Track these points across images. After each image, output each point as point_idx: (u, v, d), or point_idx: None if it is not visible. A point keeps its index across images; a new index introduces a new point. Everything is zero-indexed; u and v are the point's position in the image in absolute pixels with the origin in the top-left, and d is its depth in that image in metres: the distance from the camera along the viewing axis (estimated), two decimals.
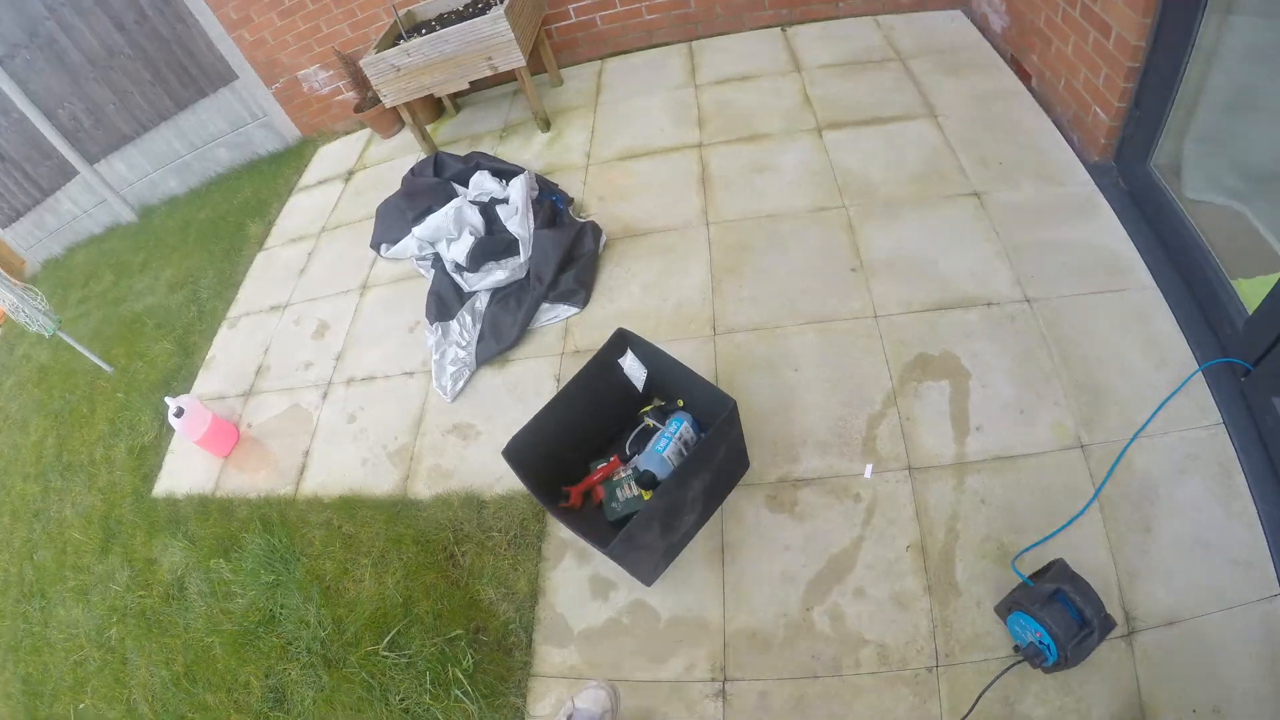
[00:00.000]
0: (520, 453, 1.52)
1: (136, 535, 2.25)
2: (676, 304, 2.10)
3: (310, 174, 3.52)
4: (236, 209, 3.52)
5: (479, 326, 2.18)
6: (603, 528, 1.63)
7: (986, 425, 1.67)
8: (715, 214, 2.33)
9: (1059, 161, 2.17)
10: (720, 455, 1.51)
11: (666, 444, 1.59)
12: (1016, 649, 1.42)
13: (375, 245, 2.67)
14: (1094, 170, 2.11)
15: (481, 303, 2.24)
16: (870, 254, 2.06)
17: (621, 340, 1.64)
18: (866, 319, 1.90)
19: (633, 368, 1.67)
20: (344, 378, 2.35)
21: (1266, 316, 1.55)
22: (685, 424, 1.62)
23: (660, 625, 1.57)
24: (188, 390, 2.63)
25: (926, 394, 1.74)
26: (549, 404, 1.56)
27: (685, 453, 1.59)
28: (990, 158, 2.24)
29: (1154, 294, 1.82)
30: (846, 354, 1.84)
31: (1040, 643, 1.34)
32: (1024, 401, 1.69)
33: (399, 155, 3.25)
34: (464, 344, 2.16)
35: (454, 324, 2.22)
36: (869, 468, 1.64)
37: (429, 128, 3.31)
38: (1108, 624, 1.31)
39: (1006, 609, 1.44)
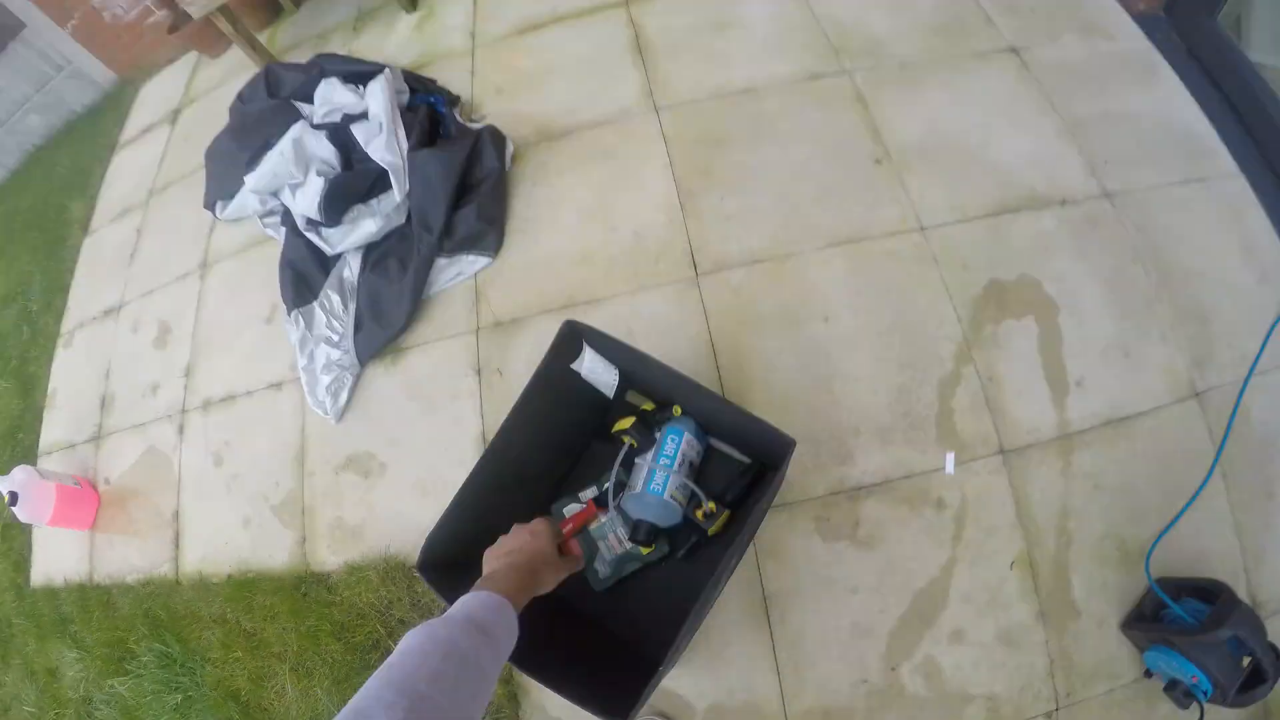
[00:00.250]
0: (443, 554, 0.96)
1: (29, 641, 1.69)
2: (633, 234, 1.46)
3: (132, 124, 2.49)
4: (58, 187, 2.50)
5: (353, 307, 1.50)
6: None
7: (1089, 377, 1.24)
8: (665, 94, 1.63)
9: (1100, 8, 1.59)
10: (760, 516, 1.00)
11: (665, 480, 1.06)
12: (1149, 675, 1.11)
13: (209, 205, 1.85)
14: (1143, 24, 1.55)
15: (352, 270, 1.54)
16: (896, 138, 1.47)
17: (573, 337, 1.04)
18: (911, 234, 1.36)
19: (596, 371, 1.09)
20: (198, 401, 1.66)
21: None
22: (686, 437, 1.09)
23: None
24: (35, 442, 1.89)
25: (1009, 339, 1.26)
26: (475, 471, 0.97)
27: (692, 479, 1.09)
28: (1019, 2, 1.61)
29: (1241, 184, 1.45)
30: (894, 289, 1.31)
31: (1196, 688, 1.02)
32: (1127, 339, 1.26)
33: (234, 77, 2.26)
34: (337, 337, 1.49)
35: (317, 309, 1.53)
36: (950, 458, 1.19)
37: (265, 35, 2.32)
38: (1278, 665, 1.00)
39: (1145, 638, 1.10)
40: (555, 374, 1.05)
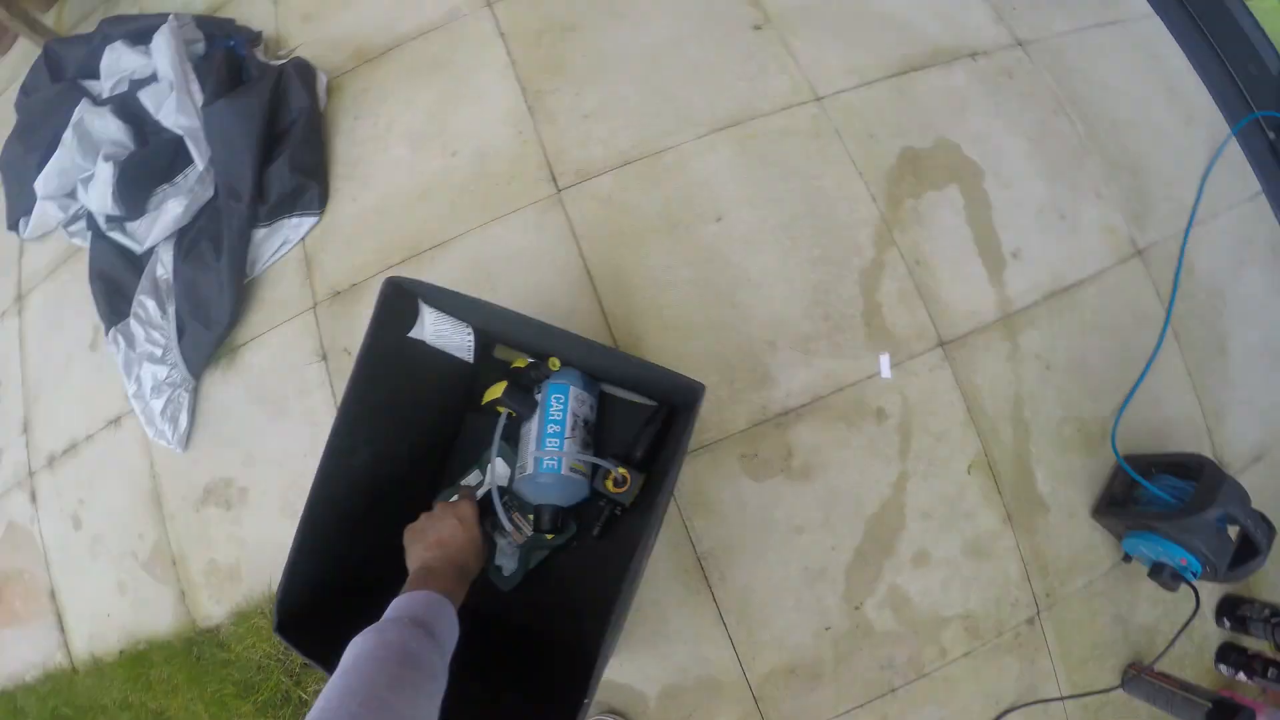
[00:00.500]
0: (307, 604, 0.77)
1: None
2: (477, 155, 1.20)
3: None
4: None
5: (172, 310, 1.25)
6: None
7: (1025, 246, 1.10)
8: None
9: None
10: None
11: (559, 452, 0.87)
12: (1128, 559, 1.01)
13: (11, 225, 1.55)
14: None
15: (165, 266, 1.28)
16: None
17: (401, 298, 0.83)
18: (806, 106, 1.16)
19: (444, 334, 0.88)
20: (43, 458, 1.40)
21: None
22: (574, 391, 0.90)
23: (651, 709, 1.01)
24: None
25: (932, 214, 1.10)
26: (310, 500, 0.76)
27: (591, 440, 0.91)
28: None
29: (1155, 24, 1.34)
30: (794, 172, 1.12)
31: (1185, 570, 0.91)
32: (1060, 199, 1.12)
33: (24, 72, 1.87)
34: (160, 350, 1.24)
35: (133, 322, 1.27)
36: (884, 361, 1.03)
37: (51, 15, 1.94)
38: (1270, 534, 0.89)
39: (1123, 525, 0.99)
40: (390, 348, 0.83)
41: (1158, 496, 0.98)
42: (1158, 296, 1.13)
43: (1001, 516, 1.02)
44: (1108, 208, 1.15)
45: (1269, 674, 1.03)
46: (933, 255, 1.07)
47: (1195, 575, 0.92)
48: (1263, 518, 0.90)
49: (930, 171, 1.11)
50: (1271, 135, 1.32)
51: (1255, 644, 1.08)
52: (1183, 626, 0.98)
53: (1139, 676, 1.03)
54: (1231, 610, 1.08)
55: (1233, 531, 0.92)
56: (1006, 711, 1.01)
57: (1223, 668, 1.08)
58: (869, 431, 1.02)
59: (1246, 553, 0.90)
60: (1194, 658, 1.07)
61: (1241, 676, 1.10)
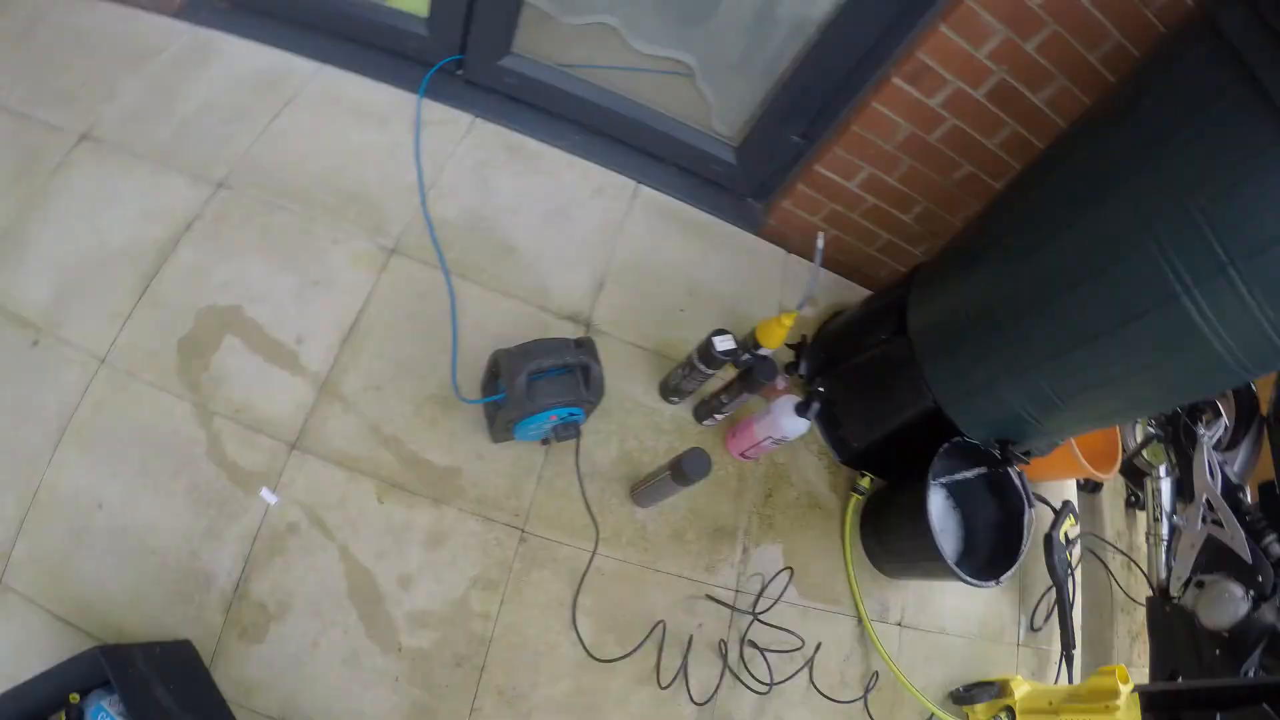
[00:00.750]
0: None
1: None
2: None
3: None
4: None
5: None
6: None
7: (304, 328, 1.35)
8: None
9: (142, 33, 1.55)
10: None
11: None
12: (548, 442, 1.30)
13: None
14: (181, 15, 1.55)
15: None
16: (19, 305, 1.41)
17: None
18: (98, 375, 1.33)
19: None
20: None
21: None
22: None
23: None
24: None
25: (224, 368, 1.32)
26: None
27: None
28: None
29: (323, 75, 1.56)
30: (126, 429, 1.30)
31: (568, 416, 1.22)
32: (307, 271, 1.40)
33: None
34: None
35: None
36: (265, 492, 1.25)
37: None
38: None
39: (506, 430, 1.26)
40: None
41: (500, 399, 1.25)
42: (429, 265, 1.41)
43: (432, 502, 1.27)
44: (349, 242, 1.41)
45: (727, 399, 1.36)
46: (244, 395, 1.30)
47: (579, 415, 1.21)
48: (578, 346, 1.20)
49: (204, 340, 1.33)
50: (460, 72, 1.60)
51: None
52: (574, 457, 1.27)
53: (639, 489, 1.33)
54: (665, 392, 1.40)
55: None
56: (580, 584, 1.27)
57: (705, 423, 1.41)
58: (296, 544, 1.24)
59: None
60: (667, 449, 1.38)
61: (717, 417, 1.43)
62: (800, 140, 1.60)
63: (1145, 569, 2.36)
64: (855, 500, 1.58)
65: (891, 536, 1.57)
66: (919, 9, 1.27)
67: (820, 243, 1.29)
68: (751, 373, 1.30)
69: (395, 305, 1.37)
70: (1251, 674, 1.75)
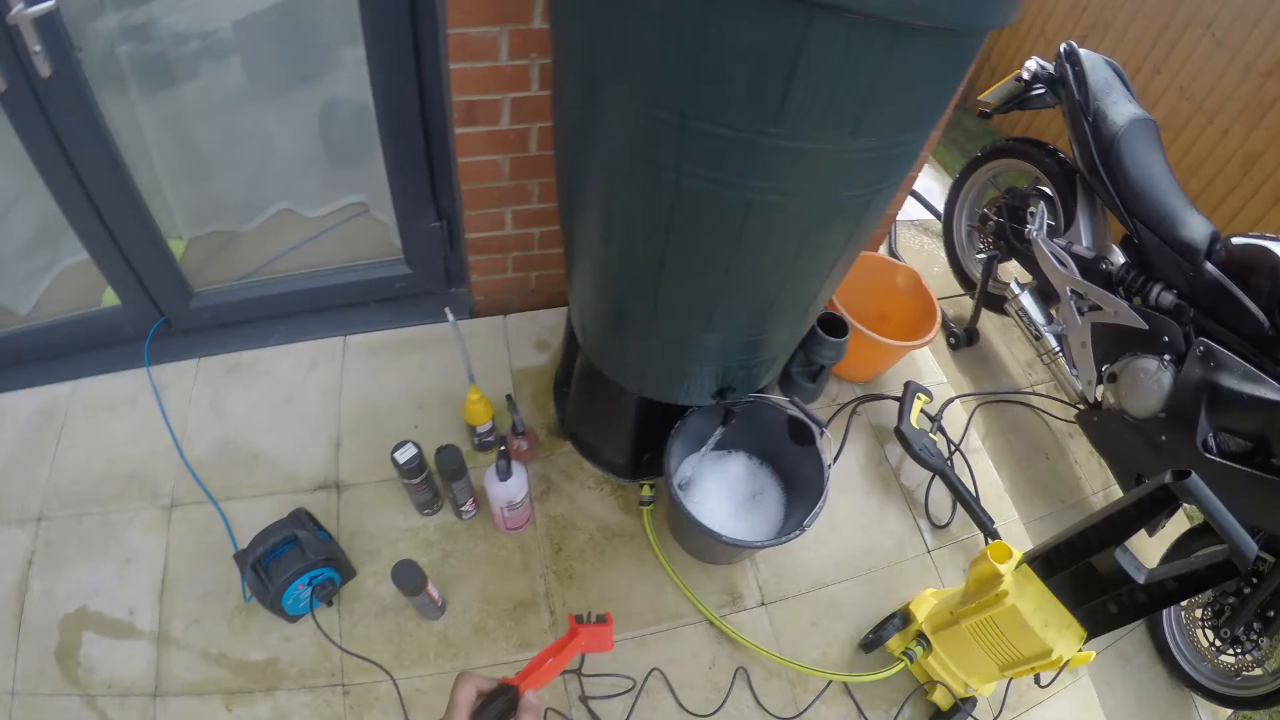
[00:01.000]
0: None
1: None
2: None
3: None
4: None
5: None
6: None
7: (133, 602, 1.61)
8: None
9: None
10: None
11: None
12: (331, 602, 1.49)
13: None
14: None
15: None
16: None
17: None
18: None
19: None
20: None
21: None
22: None
23: None
24: None
25: (92, 660, 1.62)
26: None
27: None
28: None
29: (82, 382, 1.85)
30: None
31: (319, 577, 1.44)
32: (121, 557, 1.65)
33: None
34: None
35: None
36: None
37: None
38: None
39: (280, 612, 1.47)
40: None
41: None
42: (202, 502, 1.66)
43: (266, 693, 1.47)
44: (138, 515, 1.66)
45: (455, 491, 1.50)
46: (110, 672, 1.53)
47: (324, 573, 1.44)
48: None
49: (70, 644, 1.56)
50: (169, 329, 1.88)
51: None
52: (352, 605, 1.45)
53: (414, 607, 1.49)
54: (419, 508, 1.56)
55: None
56: (405, 711, 1.43)
57: (465, 518, 1.55)
58: None
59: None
60: (441, 558, 1.52)
61: (464, 510, 1.56)
62: (440, 223, 1.74)
63: (1062, 391, 2.21)
64: (647, 511, 1.64)
65: (683, 533, 1.61)
66: (432, 67, 1.39)
67: (451, 317, 1.42)
68: (443, 467, 1.43)
69: (187, 548, 1.63)
70: (1211, 443, 1.69)
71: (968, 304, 2.53)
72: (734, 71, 0.77)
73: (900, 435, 1.80)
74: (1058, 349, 2.15)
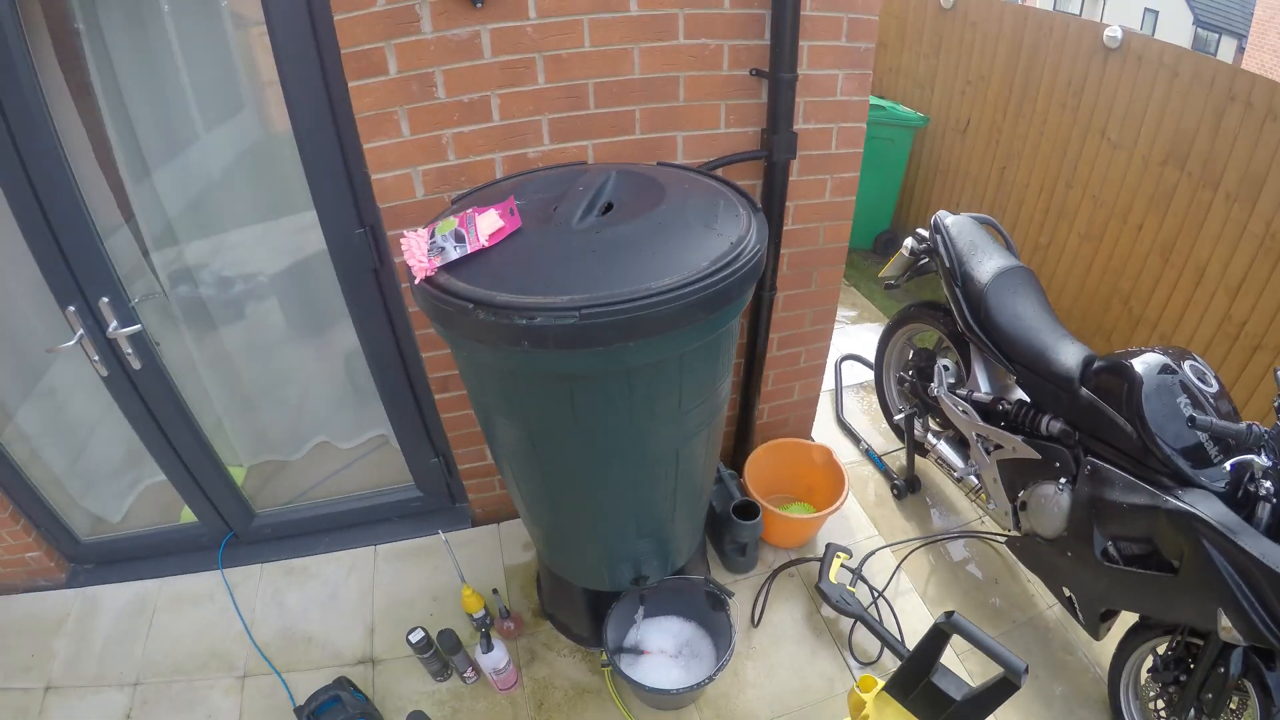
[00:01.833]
0: None
1: None
2: None
3: None
4: None
5: None
6: None
7: None
8: None
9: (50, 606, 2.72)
10: None
11: None
12: None
13: None
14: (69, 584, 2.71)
15: None
16: None
17: None
18: None
19: None
20: None
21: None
22: None
23: None
24: None
25: None
26: None
27: None
28: None
29: (169, 580, 2.59)
30: None
31: None
32: (204, 714, 2.27)
33: None
34: None
35: None
36: None
37: None
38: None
39: None
40: None
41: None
42: (268, 674, 2.28)
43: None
44: (218, 682, 2.34)
45: (457, 665, 2.08)
46: None
47: None
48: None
49: None
50: (237, 540, 2.61)
51: None
52: None
53: None
54: (434, 676, 2.14)
55: None
56: None
57: (469, 683, 2.12)
58: None
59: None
60: (451, 715, 2.10)
61: (466, 677, 2.13)
62: (437, 459, 2.47)
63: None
64: (608, 672, 2.22)
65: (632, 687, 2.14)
66: (407, 342, 2.14)
67: (441, 536, 2.09)
68: (443, 644, 2.04)
69: (257, 708, 2.27)
70: (1113, 551, 2.04)
71: None
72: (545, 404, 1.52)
73: (820, 591, 2.33)
74: (979, 486, 2.64)
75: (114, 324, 2.08)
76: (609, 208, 1.59)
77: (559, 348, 1.33)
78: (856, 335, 4.04)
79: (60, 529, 2.59)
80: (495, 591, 2.31)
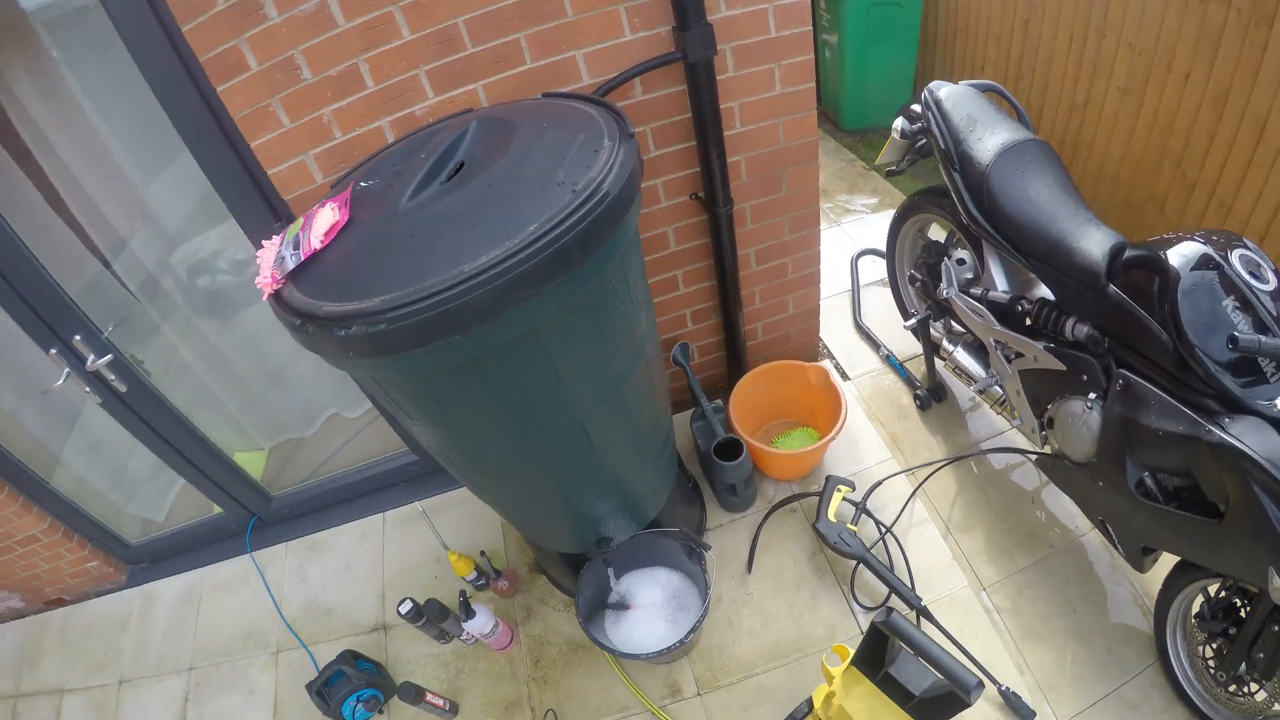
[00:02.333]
0: None
1: None
2: None
3: None
4: None
5: None
6: None
7: None
8: None
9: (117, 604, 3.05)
10: None
11: None
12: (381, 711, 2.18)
13: None
14: (129, 584, 3.01)
15: None
16: None
17: None
18: None
19: None
20: None
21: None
22: None
23: None
24: None
25: None
26: None
27: None
28: None
29: (209, 569, 2.83)
30: None
31: (364, 696, 2.14)
32: (246, 689, 2.48)
33: None
34: None
35: None
36: None
37: None
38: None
39: (337, 711, 2.16)
40: None
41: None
42: (297, 648, 2.44)
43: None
44: (257, 658, 2.53)
45: (449, 629, 2.15)
46: None
47: (370, 693, 2.11)
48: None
49: None
50: (261, 522, 2.76)
51: None
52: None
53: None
54: (436, 638, 2.23)
55: None
56: None
57: (468, 644, 2.19)
58: None
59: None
60: (456, 674, 2.19)
61: (464, 639, 2.19)
62: None
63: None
64: None
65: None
66: None
67: (420, 508, 2.09)
68: (429, 614, 2.07)
69: (289, 680, 2.44)
70: (1150, 484, 1.77)
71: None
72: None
73: (817, 532, 2.15)
74: (1003, 397, 2.31)
75: (91, 357, 2.18)
76: (460, 168, 1.40)
77: (387, 354, 1.19)
78: (878, 226, 3.55)
79: (111, 538, 2.85)
80: (483, 553, 2.30)
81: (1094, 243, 1.76)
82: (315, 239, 1.34)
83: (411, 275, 1.16)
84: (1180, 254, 1.57)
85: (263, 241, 1.49)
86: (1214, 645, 1.82)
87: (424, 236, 1.23)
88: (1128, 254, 1.67)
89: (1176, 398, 1.57)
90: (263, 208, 1.95)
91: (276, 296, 1.32)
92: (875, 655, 1.52)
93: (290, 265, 1.34)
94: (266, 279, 1.36)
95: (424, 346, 1.17)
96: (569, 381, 1.44)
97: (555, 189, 1.24)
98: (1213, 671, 1.83)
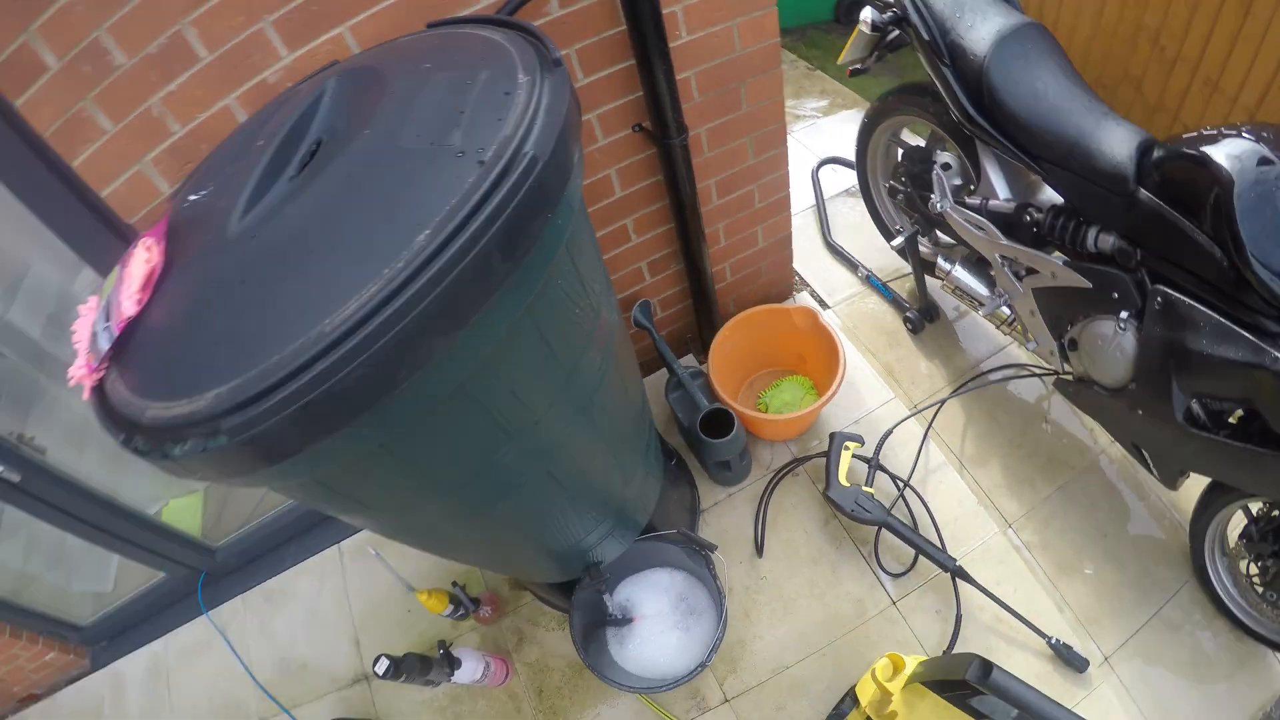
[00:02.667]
0: None
1: None
2: None
3: None
4: None
5: None
6: None
7: None
8: None
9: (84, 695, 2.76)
10: None
11: None
12: None
13: None
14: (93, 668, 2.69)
15: None
16: None
17: None
18: None
19: None
20: None
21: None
22: None
23: None
24: None
25: None
26: None
27: None
28: None
29: (167, 638, 2.50)
30: None
31: None
32: None
33: None
34: None
35: None
36: None
37: None
38: None
39: None
40: None
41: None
42: (280, 714, 2.20)
43: None
44: None
45: (434, 676, 1.91)
46: None
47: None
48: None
49: None
50: (209, 576, 2.45)
51: None
52: None
53: None
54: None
55: None
56: None
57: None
58: None
59: None
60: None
61: (455, 681, 1.96)
62: None
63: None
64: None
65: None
66: None
67: (373, 551, 1.80)
68: (406, 670, 1.81)
69: None
70: (1198, 411, 1.55)
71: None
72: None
73: (831, 501, 1.91)
74: (1012, 317, 2.07)
75: None
76: (316, 151, 0.98)
77: (246, 472, 0.84)
78: (832, 131, 3.21)
79: (63, 625, 2.49)
80: (455, 583, 2.01)
81: (1116, 141, 1.53)
82: (127, 300, 0.95)
83: (250, 346, 0.79)
84: (1230, 154, 1.31)
85: (78, 308, 1.11)
86: (1261, 563, 1.70)
87: (262, 278, 0.86)
88: (1164, 151, 1.44)
89: (1230, 318, 1.37)
90: (111, 239, 1.55)
91: (99, 392, 0.96)
92: (952, 684, 1.32)
93: (104, 345, 0.96)
94: (81, 368, 0.99)
95: (292, 456, 0.81)
96: (520, 427, 1.09)
97: (452, 163, 0.84)
98: (1261, 590, 1.71)
